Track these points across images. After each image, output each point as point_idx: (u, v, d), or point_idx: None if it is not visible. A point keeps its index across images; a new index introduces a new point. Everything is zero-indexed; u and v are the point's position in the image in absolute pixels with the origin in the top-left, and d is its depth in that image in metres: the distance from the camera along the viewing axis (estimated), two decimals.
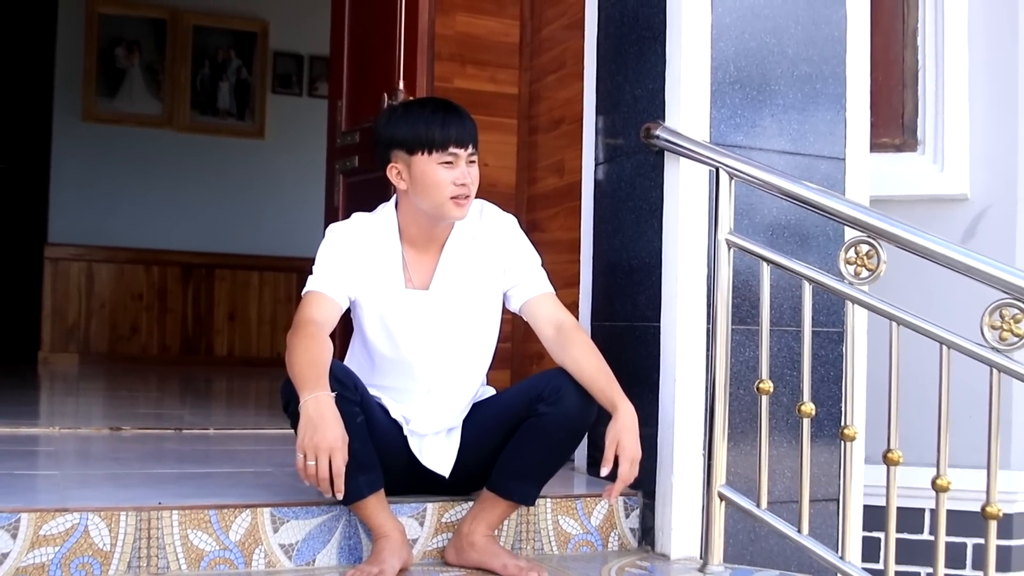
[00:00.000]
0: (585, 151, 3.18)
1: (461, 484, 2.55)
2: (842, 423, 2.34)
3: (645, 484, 2.72)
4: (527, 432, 2.42)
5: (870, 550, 3.09)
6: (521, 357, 3.86)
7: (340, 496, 2.17)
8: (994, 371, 2.04)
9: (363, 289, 2.47)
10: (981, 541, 2.17)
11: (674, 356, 2.69)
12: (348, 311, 2.51)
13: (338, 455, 2.11)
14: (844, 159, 2.91)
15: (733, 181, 2.57)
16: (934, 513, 2.13)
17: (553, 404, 2.38)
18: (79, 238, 7.70)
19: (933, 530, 2.15)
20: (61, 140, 7.84)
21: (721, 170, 2.57)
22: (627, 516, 2.76)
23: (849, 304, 2.34)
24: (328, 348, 2.28)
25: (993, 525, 2.03)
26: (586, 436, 2.79)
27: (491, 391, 2.66)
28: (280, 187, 8.18)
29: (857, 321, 2.44)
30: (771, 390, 2.47)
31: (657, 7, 2.82)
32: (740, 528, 2.70)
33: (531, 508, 2.62)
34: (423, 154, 2.41)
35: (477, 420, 2.56)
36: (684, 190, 2.71)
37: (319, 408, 2.13)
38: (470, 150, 2.43)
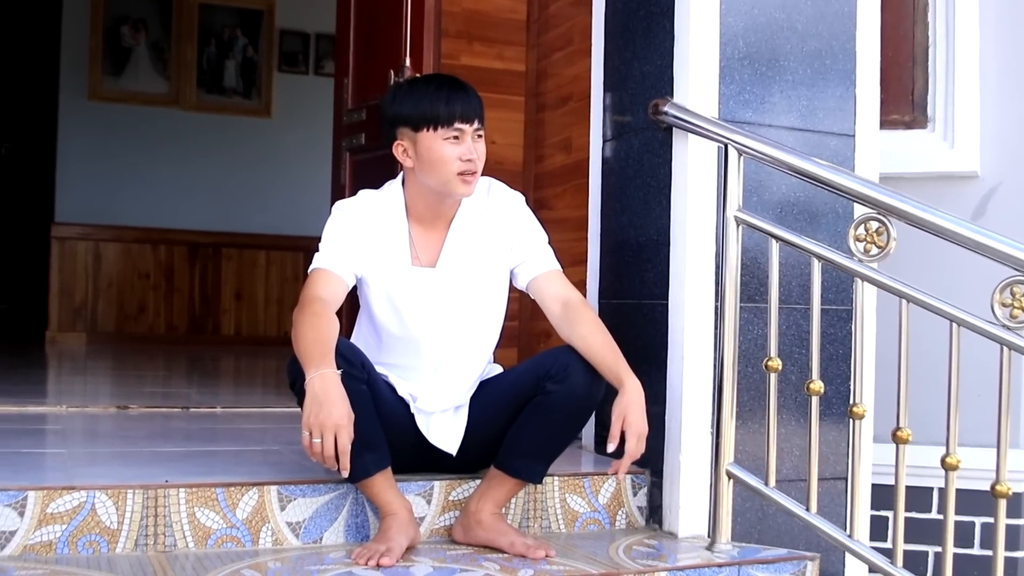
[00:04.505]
0: (593, 128, 3.15)
1: (468, 462, 2.54)
2: (851, 401, 2.33)
3: (653, 462, 2.72)
4: (535, 410, 2.41)
5: (878, 529, 3.09)
6: (528, 335, 3.85)
7: (346, 473, 2.17)
8: (1004, 349, 2.03)
9: (370, 267, 2.46)
10: (990, 520, 2.15)
11: (682, 334, 2.68)
12: (354, 289, 2.50)
13: (344, 432, 2.11)
14: (854, 136, 2.88)
15: (742, 158, 2.55)
16: (943, 492, 2.12)
17: (561, 382, 2.37)
18: (86, 217, 7.69)
19: (942, 509, 2.15)
20: (67, 119, 7.83)
21: (730, 147, 2.55)
22: (635, 494, 2.76)
23: (858, 281, 2.32)
24: (334, 325, 2.27)
25: (1003, 504, 2.02)
26: (593, 415, 2.78)
27: (498, 369, 2.66)
28: (286, 166, 8.16)
29: (866, 298, 2.43)
30: (779, 368, 2.46)
31: None
32: (748, 507, 2.69)
33: (538, 486, 2.62)
34: (428, 130, 2.39)
35: (484, 398, 2.55)
36: (692, 167, 2.69)
37: (325, 385, 2.13)
38: (476, 125, 2.42)
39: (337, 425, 2.11)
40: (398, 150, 2.45)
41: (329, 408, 2.11)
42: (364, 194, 2.53)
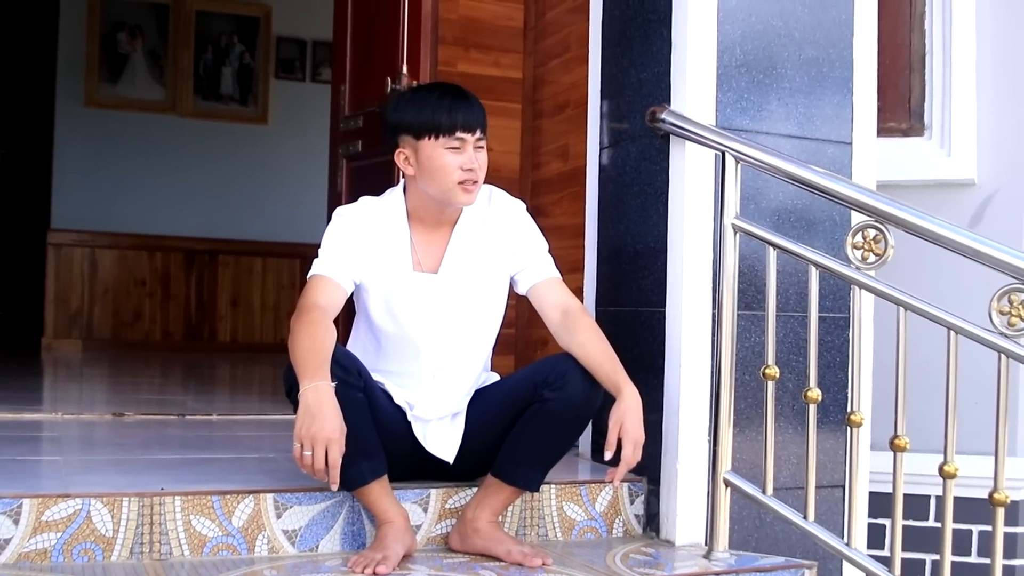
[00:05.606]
0: (590, 136, 3.15)
1: (465, 470, 2.54)
2: (848, 409, 2.33)
3: (650, 470, 2.71)
4: (532, 417, 2.41)
5: (876, 537, 3.08)
6: (525, 343, 3.84)
7: (335, 487, 2.16)
8: (1002, 357, 2.03)
9: (369, 272, 2.46)
10: (987, 528, 2.15)
11: (679, 341, 2.67)
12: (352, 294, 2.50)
13: (335, 446, 2.10)
14: (851, 143, 2.88)
15: (739, 165, 2.55)
16: (940, 500, 2.12)
17: (558, 389, 2.37)
18: (82, 224, 7.68)
19: (940, 517, 2.14)
20: (64, 126, 7.82)
21: (727, 154, 2.55)
22: (632, 502, 2.75)
23: (856, 289, 2.32)
24: (331, 334, 2.26)
25: (1001, 512, 2.02)
26: (591, 422, 2.77)
27: (495, 377, 2.65)
28: (283, 173, 8.16)
29: (864, 306, 2.42)
30: (777, 376, 2.45)
31: None
32: (745, 515, 2.69)
33: (535, 494, 2.61)
34: (430, 139, 2.39)
35: (482, 405, 2.54)
36: (690, 174, 2.69)
37: (318, 398, 2.12)
38: (478, 135, 2.42)
39: (328, 439, 2.10)
40: (400, 158, 2.45)
41: (321, 421, 2.10)
42: (365, 200, 2.53)
